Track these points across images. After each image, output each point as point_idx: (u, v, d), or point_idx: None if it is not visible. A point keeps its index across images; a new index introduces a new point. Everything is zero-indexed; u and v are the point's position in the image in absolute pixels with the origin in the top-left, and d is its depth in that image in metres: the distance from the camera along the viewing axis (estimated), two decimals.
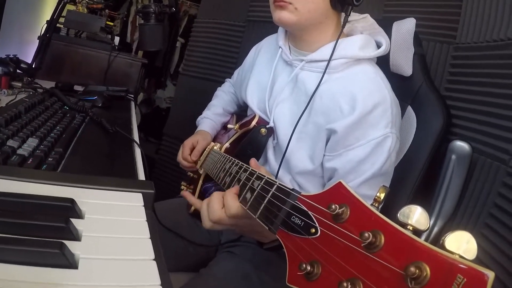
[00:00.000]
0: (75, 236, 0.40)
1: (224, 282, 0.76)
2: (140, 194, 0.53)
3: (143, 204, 0.51)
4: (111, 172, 0.67)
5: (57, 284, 0.33)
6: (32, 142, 0.63)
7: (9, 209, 0.41)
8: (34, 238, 0.37)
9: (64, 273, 0.34)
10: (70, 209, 0.43)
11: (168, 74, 3.42)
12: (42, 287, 0.32)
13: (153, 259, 0.39)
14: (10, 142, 0.60)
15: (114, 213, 0.47)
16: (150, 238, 0.43)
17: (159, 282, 0.36)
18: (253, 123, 0.83)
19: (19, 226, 0.38)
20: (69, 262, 0.35)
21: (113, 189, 0.52)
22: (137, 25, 3.30)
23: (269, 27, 1.47)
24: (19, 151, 0.58)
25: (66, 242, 0.36)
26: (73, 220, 0.41)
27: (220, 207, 0.57)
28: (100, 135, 0.86)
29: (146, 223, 0.46)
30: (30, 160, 0.56)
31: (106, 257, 0.38)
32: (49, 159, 0.59)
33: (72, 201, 0.44)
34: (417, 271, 0.26)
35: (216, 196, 0.59)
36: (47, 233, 0.38)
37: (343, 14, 0.78)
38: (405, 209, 0.30)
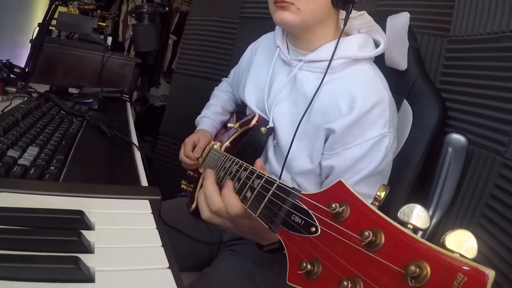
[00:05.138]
0: (88, 249, 0.39)
1: (228, 281, 0.77)
2: (147, 201, 0.52)
3: (151, 211, 0.50)
4: (113, 178, 0.67)
5: None
6: (32, 151, 0.62)
7: (19, 224, 0.40)
8: (48, 254, 0.36)
9: (82, 287, 0.34)
10: (80, 221, 0.43)
11: (161, 72, 3.40)
12: None
13: (168, 268, 0.39)
14: (11, 152, 0.59)
15: (124, 222, 0.47)
16: (162, 246, 0.43)
17: None
18: (253, 121, 0.82)
19: (30, 242, 0.38)
20: (85, 276, 0.35)
21: (120, 197, 0.52)
22: (128, 23, 3.26)
23: (262, 24, 1.47)
24: (20, 161, 0.58)
25: (79, 255, 0.36)
26: (84, 232, 0.41)
27: (219, 197, 0.56)
28: (99, 140, 0.85)
29: (157, 230, 0.46)
30: (32, 170, 0.56)
31: (121, 268, 0.38)
32: (51, 167, 0.59)
33: (81, 213, 0.43)
34: (418, 270, 0.26)
35: (211, 187, 0.57)
36: (59, 248, 0.38)
37: (341, 12, 0.76)
38: (405, 208, 0.30)
